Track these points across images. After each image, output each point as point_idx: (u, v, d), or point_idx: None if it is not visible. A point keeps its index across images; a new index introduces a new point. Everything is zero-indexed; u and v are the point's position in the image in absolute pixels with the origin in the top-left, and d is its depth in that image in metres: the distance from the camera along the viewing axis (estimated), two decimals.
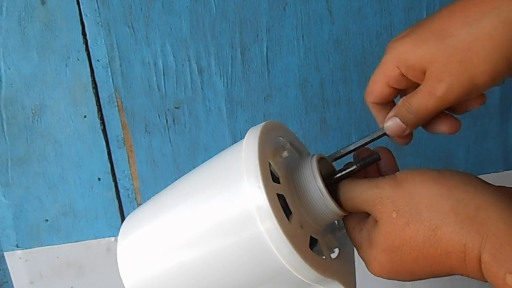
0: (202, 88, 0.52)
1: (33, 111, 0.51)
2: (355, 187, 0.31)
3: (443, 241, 0.27)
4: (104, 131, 0.52)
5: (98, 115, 0.51)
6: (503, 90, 0.57)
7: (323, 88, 0.53)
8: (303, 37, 0.51)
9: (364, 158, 0.32)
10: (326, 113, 0.54)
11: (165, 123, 0.52)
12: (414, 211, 0.28)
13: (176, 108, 0.52)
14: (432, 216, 0.27)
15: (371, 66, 0.53)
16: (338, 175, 0.32)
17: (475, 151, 0.59)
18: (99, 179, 0.53)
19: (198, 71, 0.51)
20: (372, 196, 0.29)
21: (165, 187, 0.55)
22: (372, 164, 0.32)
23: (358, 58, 0.53)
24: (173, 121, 0.52)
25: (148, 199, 0.55)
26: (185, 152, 0.53)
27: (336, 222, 0.37)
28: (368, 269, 0.31)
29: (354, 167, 0.31)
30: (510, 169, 0.60)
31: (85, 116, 0.51)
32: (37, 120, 0.51)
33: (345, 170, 0.32)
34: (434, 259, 0.27)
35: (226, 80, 0.52)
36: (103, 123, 0.52)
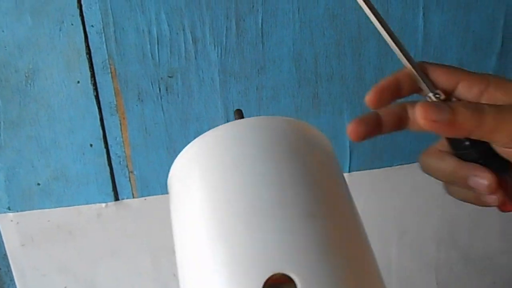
0: (195, 58, 0.50)
1: (26, 75, 0.50)
2: None
3: None
4: (97, 97, 0.51)
5: (91, 81, 0.50)
6: (495, 72, 0.56)
7: (316, 62, 0.52)
8: (299, 10, 0.50)
9: None
10: (318, 87, 0.53)
11: (158, 91, 0.51)
12: None
13: (170, 77, 0.51)
14: None
15: (366, 42, 0.52)
16: None
17: None
18: (91, 145, 0.52)
19: (192, 40, 0.50)
20: None
21: (157, 155, 0.54)
22: None
23: (353, 34, 0.51)
24: (166, 90, 0.51)
25: (139, 167, 0.54)
26: (177, 122, 0.52)
27: None
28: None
29: None
30: None
31: (78, 82, 0.50)
32: (30, 84, 0.50)
33: None
34: None
35: (220, 50, 0.50)
36: (96, 89, 0.51)
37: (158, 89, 0.51)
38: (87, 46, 0.49)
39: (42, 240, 0.55)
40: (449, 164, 0.28)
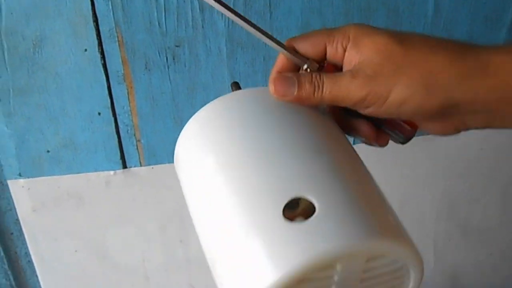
0: (203, 27, 0.50)
1: (34, 42, 0.50)
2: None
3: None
4: (104, 66, 0.51)
5: (99, 49, 0.50)
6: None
7: None
8: None
9: None
10: None
11: (165, 61, 0.51)
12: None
13: (177, 46, 0.51)
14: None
15: (375, 13, 0.51)
16: None
17: None
18: (99, 113, 0.53)
19: (199, 9, 0.49)
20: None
21: (164, 124, 0.54)
22: None
23: (362, 4, 0.51)
24: (173, 59, 0.51)
25: (146, 136, 0.55)
26: (184, 91, 0.52)
27: None
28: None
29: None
30: None
31: (85, 50, 0.50)
32: (37, 52, 0.50)
33: None
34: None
35: (227, 20, 0.50)
36: (103, 57, 0.51)
37: (165, 58, 0.51)
38: (94, 14, 0.49)
39: (53, 206, 0.57)
40: (337, 116, 0.31)
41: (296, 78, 0.27)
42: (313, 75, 0.27)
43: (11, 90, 0.51)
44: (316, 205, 0.22)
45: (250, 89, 0.30)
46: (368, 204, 0.24)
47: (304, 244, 0.21)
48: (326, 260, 0.21)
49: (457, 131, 0.29)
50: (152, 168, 0.56)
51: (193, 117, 0.29)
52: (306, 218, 0.22)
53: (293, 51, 0.29)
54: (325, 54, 0.28)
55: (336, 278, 0.22)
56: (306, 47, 0.29)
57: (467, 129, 0.29)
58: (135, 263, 0.61)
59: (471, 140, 0.60)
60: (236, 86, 0.33)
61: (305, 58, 0.29)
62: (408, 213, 0.63)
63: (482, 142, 0.60)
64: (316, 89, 0.27)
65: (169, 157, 0.56)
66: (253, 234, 0.22)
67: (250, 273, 0.22)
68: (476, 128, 0.29)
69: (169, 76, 0.52)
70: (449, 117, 0.28)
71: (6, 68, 0.50)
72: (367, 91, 0.26)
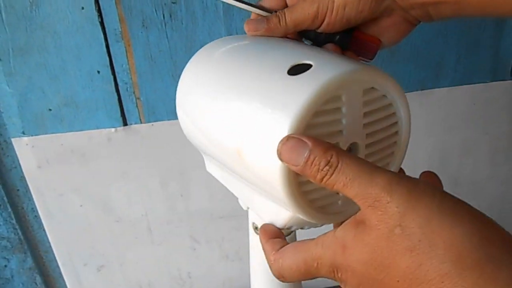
0: None
1: (30, 1, 0.50)
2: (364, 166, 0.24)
3: None
4: (102, 24, 0.51)
5: (96, 7, 0.50)
6: None
7: None
8: None
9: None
10: None
11: (162, 18, 0.51)
12: (426, 241, 0.21)
13: (173, 3, 0.51)
14: (448, 258, 0.20)
15: None
16: None
17: (465, 61, 0.59)
18: (98, 72, 0.54)
19: None
20: (377, 192, 0.23)
21: (162, 82, 0.55)
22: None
23: None
24: (170, 16, 0.51)
25: (146, 93, 0.56)
26: (181, 49, 0.53)
27: None
28: (338, 274, 0.25)
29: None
30: (497, 80, 0.61)
31: (82, 8, 0.50)
32: (35, 10, 0.50)
33: None
34: None
35: None
36: (100, 15, 0.51)
37: (162, 15, 0.51)
38: None
39: (57, 163, 0.58)
40: None
41: (265, 18, 0.34)
42: (277, 12, 0.33)
43: (10, 50, 0.52)
44: (313, 63, 0.28)
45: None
46: (349, 59, 0.30)
47: (312, 82, 0.27)
48: (332, 88, 0.26)
49: (415, 23, 0.33)
50: (152, 125, 0.57)
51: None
52: None
53: (262, 7, 0.34)
54: (285, 3, 0.34)
55: (344, 109, 0.27)
56: (270, 3, 0.35)
57: (432, 20, 0.33)
58: (138, 216, 0.63)
59: (464, 95, 0.61)
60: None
61: (273, 11, 0.34)
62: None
63: (475, 97, 0.62)
64: (281, 19, 0.33)
65: (169, 114, 0.57)
66: (273, 88, 0.29)
67: (279, 110, 0.27)
68: (443, 18, 0.32)
69: (166, 33, 0.52)
70: (394, 11, 0.32)
71: (5, 28, 0.51)
72: (317, 4, 0.32)
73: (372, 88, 0.28)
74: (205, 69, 0.35)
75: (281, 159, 0.26)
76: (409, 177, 0.23)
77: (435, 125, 0.62)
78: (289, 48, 0.32)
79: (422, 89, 0.59)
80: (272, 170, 0.27)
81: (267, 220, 0.32)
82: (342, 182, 0.24)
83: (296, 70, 0.28)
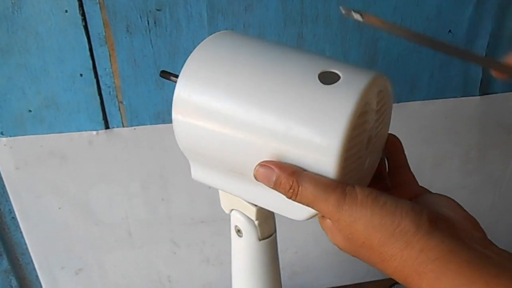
0: None
1: (13, 1, 0.49)
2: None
3: (390, 268, 0.28)
4: (85, 27, 0.51)
5: (80, 10, 0.50)
6: (470, 21, 0.57)
7: (302, 3, 0.53)
8: None
9: None
10: (303, 28, 0.54)
11: (147, 24, 0.52)
12: (368, 242, 0.29)
13: (158, 10, 0.51)
14: (381, 252, 0.28)
15: None
16: None
17: (438, 77, 0.61)
18: (81, 74, 0.53)
19: None
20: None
21: (146, 87, 0.55)
22: None
23: None
24: (155, 23, 0.52)
25: (129, 97, 0.56)
26: (165, 55, 0.53)
27: None
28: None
29: None
30: (468, 96, 0.63)
31: (66, 11, 0.50)
32: (17, 11, 0.50)
33: None
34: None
35: None
36: (84, 19, 0.51)
37: (146, 22, 0.51)
38: None
39: (36, 164, 0.58)
40: None
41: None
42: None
43: None
44: (340, 74, 0.30)
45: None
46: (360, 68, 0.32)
47: (350, 93, 0.29)
48: (366, 97, 0.29)
49: None
50: (134, 129, 0.57)
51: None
52: None
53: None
54: None
55: (370, 111, 0.31)
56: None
57: None
58: (118, 220, 0.63)
59: (437, 109, 0.63)
60: (164, 73, 0.38)
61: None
62: None
63: (447, 111, 0.64)
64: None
65: (151, 119, 0.57)
66: (312, 98, 0.30)
67: (330, 115, 0.29)
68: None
69: (150, 39, 0.52)
70: None
71: None
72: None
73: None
74: (222, 71, 0.32)
75: (257, 180, 0.31)
76: (352, 195, 0.29)
77: (409, 136, 0.64)
78: (308, 56, 0.33)
79: (397, 102, 0.61)
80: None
81: (286, 215, 0.34)
82: (305, 202, 0.30)
83: (325, 78, 0.30)
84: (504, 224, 0.75)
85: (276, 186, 0.31)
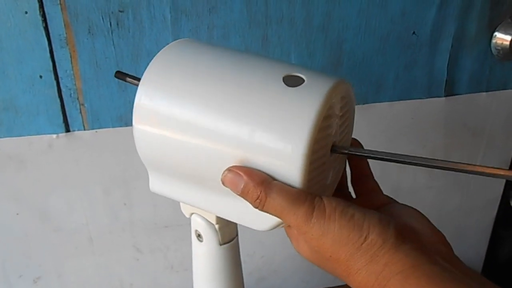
0: None
1: None
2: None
3: (355, 282, 0.31)
4: (46, 29, 0.55)
5: (40, 12, 0.54)
6: (434, 23, 0.64)
7: (267, 5, 0.58)
8: None
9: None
10: (268, 29, 0.60)
11: (109, 26, 0.56)
12: (334, 255, 0.31)
13: (120, 11, 0.55)
14: (348, 266, 0.31)
15: None
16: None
17: (403, 78, 0.68)
18: (40, 76, 0.57)
19: None
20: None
21: (108, 89, 0.60)
22: None
23: None
24: (117, 24, 0.56)
25: (90, 100, 0.60)
26: (128, 57, 0.58)
27: None
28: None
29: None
30: (433, 97, 0.70)
31: (26, 12, 0.54)
32: None
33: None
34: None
35: None
36: (45, 20, 0.55)
37: (109, 23, 0.56)
38: None
39: None
40: None
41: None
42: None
43: None
44: (304, 77, 0.33)
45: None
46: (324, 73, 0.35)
47: (313, 96, 0.32)
48: (330, 101, 0.32)
49: None
50: (96, 132, 0.61)
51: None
52: None
53: None
54: None
55: (334, 116, 0.34)
56: None
57: None
58: (78, 226, 0.67)
59: (403, 110, 0.70)
60: (120, 74, 0.41)
61: None
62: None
63: (414, 112, 0.71)
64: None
65: (113, 122, 0.61)
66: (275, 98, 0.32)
67: (293, 117, 0.31)
68: None
69: (113, 41, 0.57)
70: None
71: None
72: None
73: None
74: (184, 78, 0.34)
75: (224, 185, 0.33)
76: (321, 208, 0.31)
77: (376, 137, 0.70)
78: (271, 61, 0.36)
79: (364, 103, 0.67)
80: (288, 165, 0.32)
81: (249, 225, 0.36)
82: (272, 212, 0.32)
83: (289, 82, 0.33)
84: (471, 224, 0.83)
85: (243, 194, 0.32)
